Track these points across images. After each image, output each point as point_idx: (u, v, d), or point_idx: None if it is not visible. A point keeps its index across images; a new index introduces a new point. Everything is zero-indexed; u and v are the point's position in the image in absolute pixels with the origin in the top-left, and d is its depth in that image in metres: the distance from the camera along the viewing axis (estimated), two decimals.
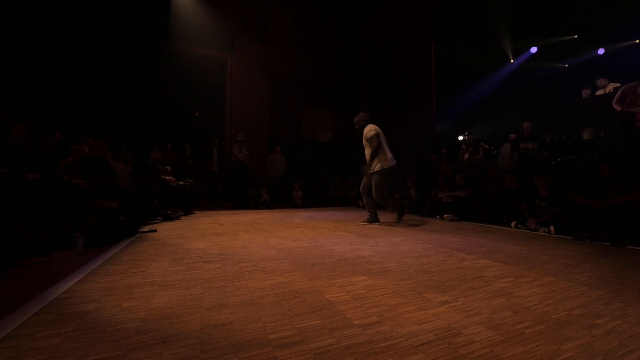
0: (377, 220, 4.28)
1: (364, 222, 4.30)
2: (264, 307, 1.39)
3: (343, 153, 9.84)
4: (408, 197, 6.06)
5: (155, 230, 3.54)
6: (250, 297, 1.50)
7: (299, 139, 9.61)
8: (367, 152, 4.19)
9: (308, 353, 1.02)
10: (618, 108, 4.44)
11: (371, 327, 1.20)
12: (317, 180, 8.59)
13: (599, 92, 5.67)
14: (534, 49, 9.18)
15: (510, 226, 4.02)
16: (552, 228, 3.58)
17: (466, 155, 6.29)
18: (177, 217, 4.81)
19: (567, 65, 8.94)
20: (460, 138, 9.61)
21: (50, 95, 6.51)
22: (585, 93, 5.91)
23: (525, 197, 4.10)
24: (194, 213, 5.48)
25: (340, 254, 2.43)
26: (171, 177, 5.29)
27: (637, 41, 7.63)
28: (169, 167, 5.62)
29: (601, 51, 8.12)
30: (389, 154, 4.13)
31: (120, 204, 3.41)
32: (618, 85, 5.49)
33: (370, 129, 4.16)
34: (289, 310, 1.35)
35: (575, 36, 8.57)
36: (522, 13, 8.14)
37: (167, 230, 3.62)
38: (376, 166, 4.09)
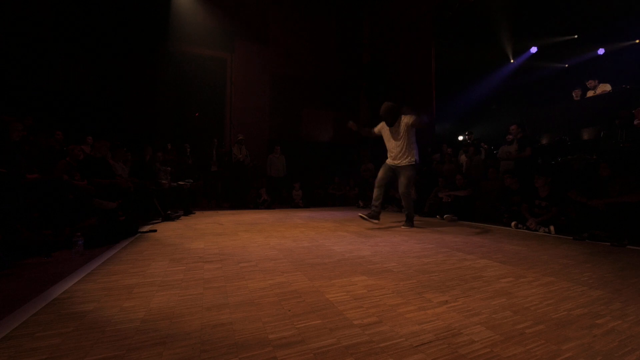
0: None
1: (405, 226, 3.99)
2: (264, 307, 1.39)
3: (343, 153, 9.83)
4: None
5: (155, 230, 3.54)
6: (250, 297, 1.50)
7: (299, 139, 9.61)
8: (398, 144, 3.83)
9: (308, 353, 1.02)
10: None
11: (371, 327, 1.20)
12: (317, 180, 8.58)
13: (590, 93, 5.69)
14: (534, 49, 9.17)
15: (510, 226, 4.02)
16: (552, 228, 3.58)
17: (463, 157, 6.30)
18: (177, 217, 4.80)
19: (567, 65, 8.93)
20: (460, 138, 9.60)
21: (50, 95, 6.51)
22: (576, 94, 5.92)
23: (525, 197, 4.10)
24: (194, 213, 5.48)
25: (340, 254, 2.43)
26: (164, 182, 5.26)
27: (637, 41, 7.62)
28: (169, 168, 5.61)
29: (601, 51, 8.11)
30: None
31: (120, 204, 3.41)
32: (608, 85, 5.50)
33: (408, 117, 3.81)
34: (289, 310, 1.35)
35: (575, 36, 8.57)
36: (522, 13, 8.14)
37: (167, 230, 3.62)
38: (411, 159, 3.79)
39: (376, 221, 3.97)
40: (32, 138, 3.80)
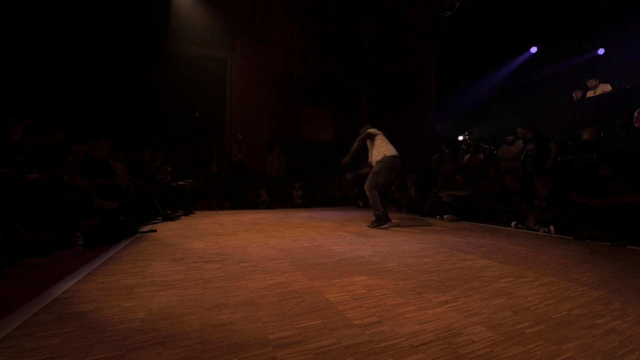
0: (387, 221, 3.92)
1: (368, 225, 3.97)
2: (264, 307, 1.39)
3: (343, 153, 9.82)
4: (408, 197, 6.06)
5: (155, 230, 3.54)
6: (250, 297, 1.50)
7: (299, 139, 9.61)
8: (369, 153, 4.26)
9: (308, 353, 1.02)
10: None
11: (371, 327, 1.20)
12: (317, 180, 8.58)
13: (590, 93, 5.68)
14: (534, 49, 9.17)
15: (510, 226, 4.02)
16: (552, 228, 3.58)
17: (467, 157, 6.29)
18: (177, 217, 4.80)
19: (567, 65, 8.93)
20: (460, 138, 9.60)
21: (51, 95, 6.51)
22: (577, 94, 5.91)
23: (525, 197, 4.10)
24: (194, 213, 5.48)
25: (340, 254, 2.43)
26: (165, 177, 5.30)
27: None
28: (169, 167, 5.61)
29: (601, 51, 8.11)
30: (391, 146, 4.13)
31: (120, 204, 3.41)
32: (608, 85, 5.50)
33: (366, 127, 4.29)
34: (289, 310, 1.35)
35: (575, 36, 8.56)
36: (522, 13, 8.13)
37: (167, 230, 3.62)
38: (379, 157, 4.07)
39: (387, 225, 3.93)
40: (32, 138, 3.80)
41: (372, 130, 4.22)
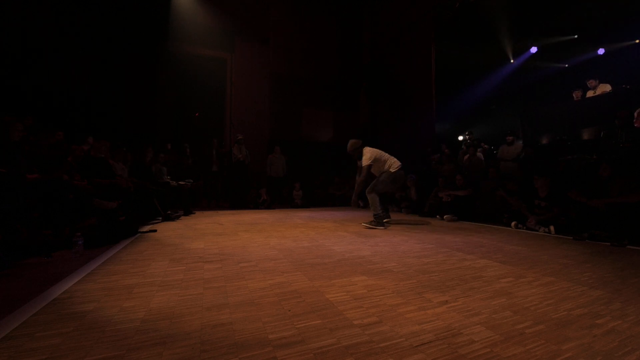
0: (386, 218, 4.18)
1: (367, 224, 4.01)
2: (264, 307, 1.39)
3: (343, 153, 9.82)
4: (408, 197, 6.06)
5: (155, 230, 3.54)
6: (250, 297, 1.50)
7: (299, 139, 9.60)
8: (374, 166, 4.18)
9: (308, 353, 1.02)
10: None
11: (371, 327, 1.20)
12: (317, 180, 8.58)
13: (590, 93, 5.68)
14: (534, 49, 9.18)
15: (510, 226, 4.02)
16: (552, 228, 3.58)
17: (467, 157, 6.30)
18: (177, 217, 4.80)
19: (567, 65, 8.93)
20: (460, 138, 9.60)
21: (51, 95, 6.51)
22: (577, 94, 5.91)
23: (525, 197, 4.10)
24: (194, 213, 5.48)
25: (340, 254, 2.43)
26: (167, 178, 5.28)
27: (637, 41, 7.63)
28: (169, 177, 5.58)
29: (601, 51, 8.12)
30: (394, 159, 4.15)
31: (120, 204, 3.41)
32: (608, 85, 5.50)
33: (365, 154, 4.10)
34: (289, 310, 1.35)
35: (575, 36, 8.57)
36: (522, 13, 8.14)
37: (167, 230, 3.62)
38: (384, 169, 4.09)
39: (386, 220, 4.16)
40: (32, 138, 3.80)
41: (368, 155, 4.07)
